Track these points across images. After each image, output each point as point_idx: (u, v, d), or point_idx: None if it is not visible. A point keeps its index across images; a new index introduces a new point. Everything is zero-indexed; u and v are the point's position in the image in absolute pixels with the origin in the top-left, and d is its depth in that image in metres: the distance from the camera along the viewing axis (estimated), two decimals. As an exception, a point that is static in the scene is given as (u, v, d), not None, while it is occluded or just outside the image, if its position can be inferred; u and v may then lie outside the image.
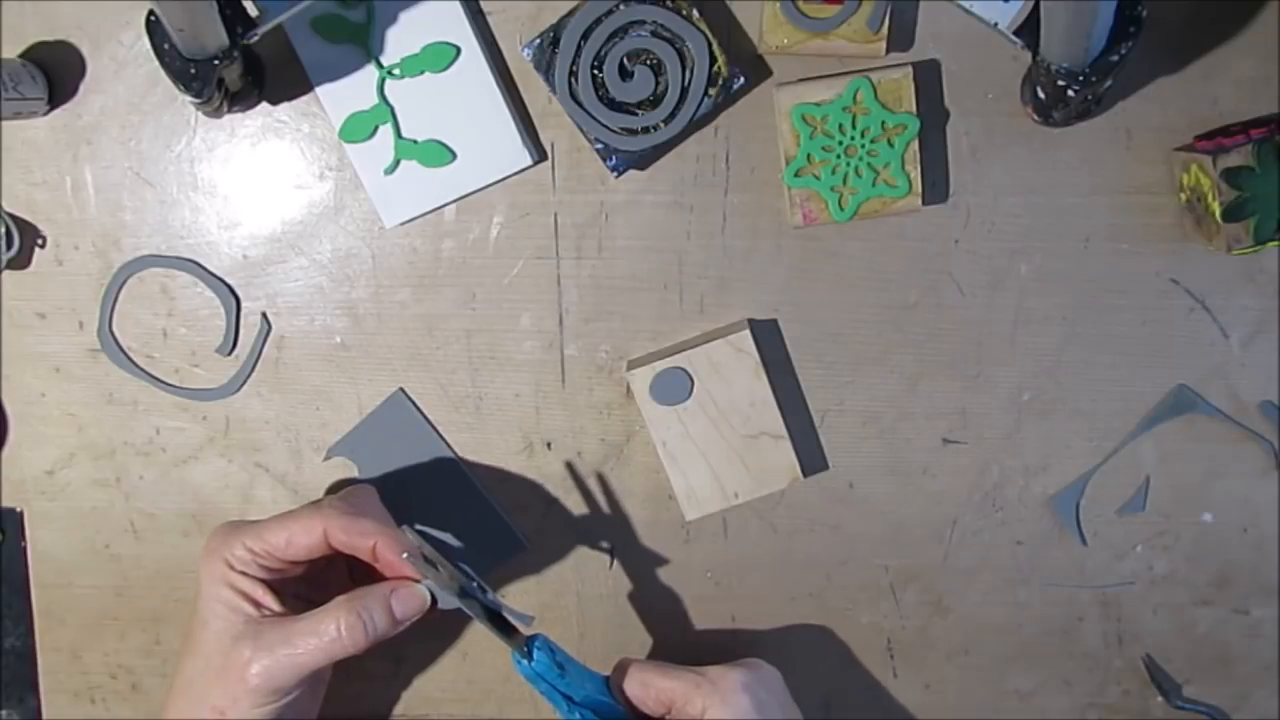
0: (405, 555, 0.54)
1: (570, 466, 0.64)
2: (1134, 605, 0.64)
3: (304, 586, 0.59)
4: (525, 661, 0.54)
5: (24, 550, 0.67)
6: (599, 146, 0.58)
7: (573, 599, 0.66)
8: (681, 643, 0.66)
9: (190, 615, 0.57)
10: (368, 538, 0.55)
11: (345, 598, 0.54)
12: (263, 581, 0.56)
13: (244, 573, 0.56)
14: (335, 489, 0.65)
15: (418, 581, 0.54)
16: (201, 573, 0.57)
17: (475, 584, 0.54)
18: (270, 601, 0.56)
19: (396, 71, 0.59)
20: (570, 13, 0.57)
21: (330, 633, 0.53)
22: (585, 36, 0.57)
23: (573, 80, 0.58)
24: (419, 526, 0.59)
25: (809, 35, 0.56)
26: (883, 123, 0.57)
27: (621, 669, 0.57)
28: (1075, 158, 0.60)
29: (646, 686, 0.56)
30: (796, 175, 0.58)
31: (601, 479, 0.64)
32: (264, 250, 0.63)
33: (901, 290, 0.62)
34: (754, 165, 0.61)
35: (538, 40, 0.57)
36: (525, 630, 0.55)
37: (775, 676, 0.59)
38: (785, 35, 0.57)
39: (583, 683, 0.55)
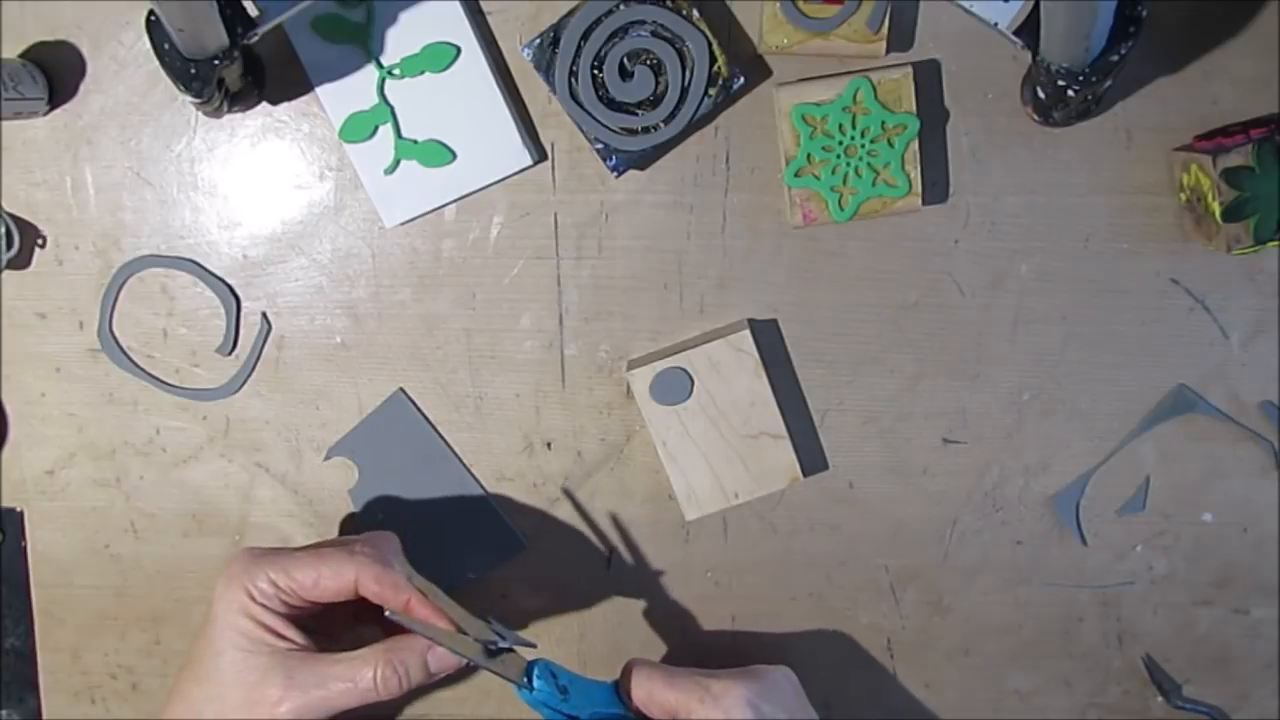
0: (434, 633, 0.53)
1: (570, 467, 0.64)
2: (1134, 605, 0.64)
3: (311, 619, 0.57)
4: (526, 690, 0.54)
5: (24, 550, 0.67)
6: (599, 146, 0.58)
7: (573, 599, 0.66)
8: (681, 643, 0.65)
9: (197, 637, 0.56)
10: (400, 594, 0.54)
11: (382, 647, 0.54)
12: (283, 616, 0.54)
13: (265, 605, 0.54)
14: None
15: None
16: (216, 595, 0.55)
17: (499, 636, 0.54)
18: (294, 634, 0.54)
19: (396, 71, 0.59)
20: (570, 13, 0.57)
21: (366, 681, 0.53)
22: (585, 36, 0.57)
23: (573, 80, 0.58)
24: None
25: (809, 35, 0.56)
26: (883, 123, 0.57)
27: (628, 673, 0.56)
28: (1075, 158, 0.60)
29: (650, 695, 0.55)
30: (796, 175, 0.58)
31: (601, 479, 0.64)
32: (264, 250, 0.63)
33: (901, 290, 0.62)
34: (754, 165, 0.61)
35: (538, 40, 0.57)
36: (526, 656, 0.55)
37: (786, 681, 0.58)
38: (785, 35, 0.57)
39: (589, 699, 0.55)
